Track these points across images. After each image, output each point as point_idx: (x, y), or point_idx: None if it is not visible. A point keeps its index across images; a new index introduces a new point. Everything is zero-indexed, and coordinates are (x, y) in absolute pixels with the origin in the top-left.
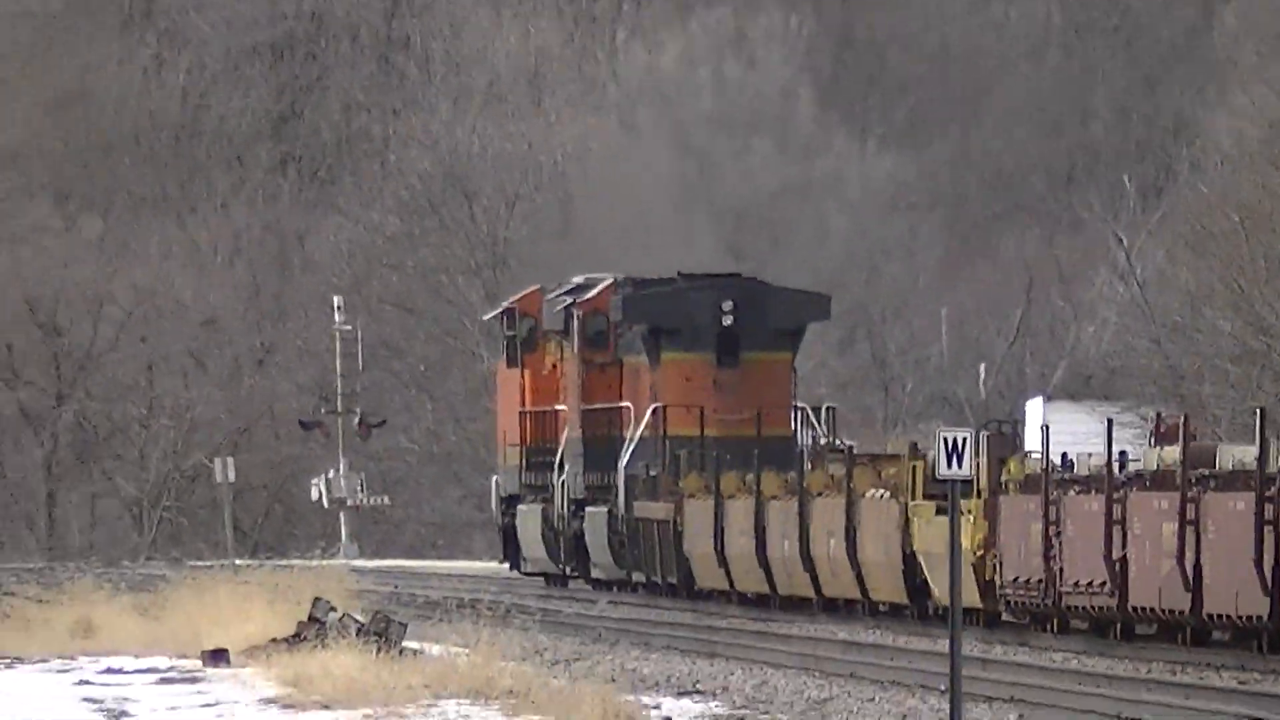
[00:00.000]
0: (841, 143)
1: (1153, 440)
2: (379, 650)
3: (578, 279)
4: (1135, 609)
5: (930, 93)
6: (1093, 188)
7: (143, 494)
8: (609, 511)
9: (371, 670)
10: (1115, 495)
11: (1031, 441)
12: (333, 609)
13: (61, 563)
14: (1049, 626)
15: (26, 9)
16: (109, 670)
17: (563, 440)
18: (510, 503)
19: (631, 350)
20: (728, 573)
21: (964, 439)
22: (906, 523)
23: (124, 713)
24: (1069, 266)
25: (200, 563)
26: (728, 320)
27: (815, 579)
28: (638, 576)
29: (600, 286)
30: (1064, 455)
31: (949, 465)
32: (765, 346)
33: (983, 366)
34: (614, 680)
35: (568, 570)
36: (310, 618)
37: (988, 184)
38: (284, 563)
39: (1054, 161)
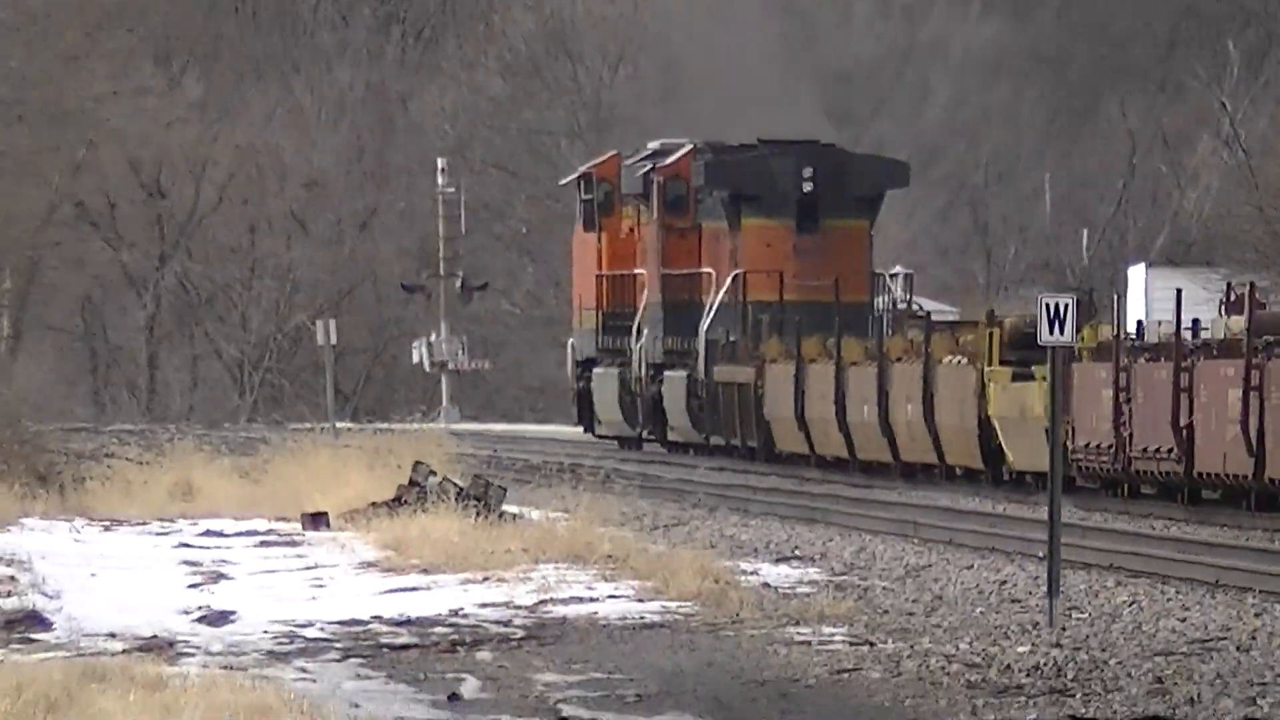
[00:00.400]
0: (944, 6)
1: (1223, 309)
2: (478, 515)
3: (654, 144)
4: (1200, 474)
5: None
6: (1197, 54)
7: (244, 356)
8: (688, 376)
9: (470, 535)
10: (1183, 363)
11: (1135, 308)
12: (432, 473)
13: (162, 425)
14: (1119, 491)
15: None
16: (208, 533)
17: (641, 305)
18: (586, 366)
19: (711, 215)
20: (808, 436)
21: (1066, 305)
22: (982, 389)
23: (222, 575)
24: (1173, 133)
25: (301, 426)
26: (808, 187)
27: (894, 444)
28: (716, 440)
29: (680, 152)
30: (1139, 323)
31: (1051, 331)
32: (844, 213)
33: (1085, 232)
34: (712, 546)
35: (644, 434)
36: (410, 482)
37: (1092, 50)
38: (384, 426)
39: (1158, 27)
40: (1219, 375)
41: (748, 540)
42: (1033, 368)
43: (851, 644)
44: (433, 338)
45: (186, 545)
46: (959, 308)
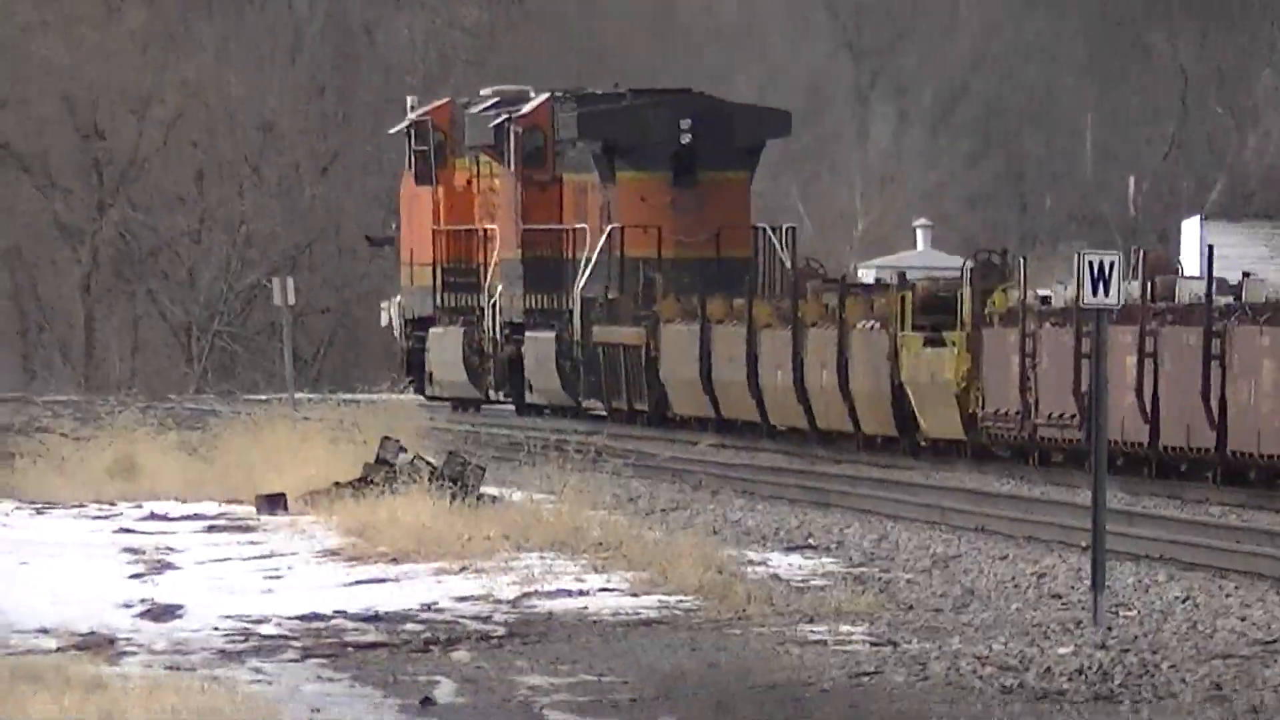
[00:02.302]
0: None
1: (1133, 274)
2: (454, 497)
3: (488, 90)
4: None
5: None
6: None
7: (191, 318)
8: (558, 336)
9: (445, 519)
10: (1084, 329)
11: (1190, 265)
12: (403, 450)
13: (100, 395)
14: (1028, 460)
15: None
16: (152, 516)
17: (492, 261)
18: (419, 325)
19: (576, 168)
20: (714, 400)
21: (1111, 263)
22: (895, 354)
23: (168, 564)
24: (1229, 68)
25: (255, 396)
26: (685, 139)
27: (809, 410)
28: (590, 403)
29: (538, 101)
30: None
31: (1094, 292)
32: (723, 165)
33: (1131, 180)
34: (715, 532)
35: (495, 395)
36: (377, 459)
37: None
38: (349, 397)
39: None
40: (1118, 342)
41: (755, 526)
42: (944, 333)
43: (872, 644)
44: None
45: (127, 530)
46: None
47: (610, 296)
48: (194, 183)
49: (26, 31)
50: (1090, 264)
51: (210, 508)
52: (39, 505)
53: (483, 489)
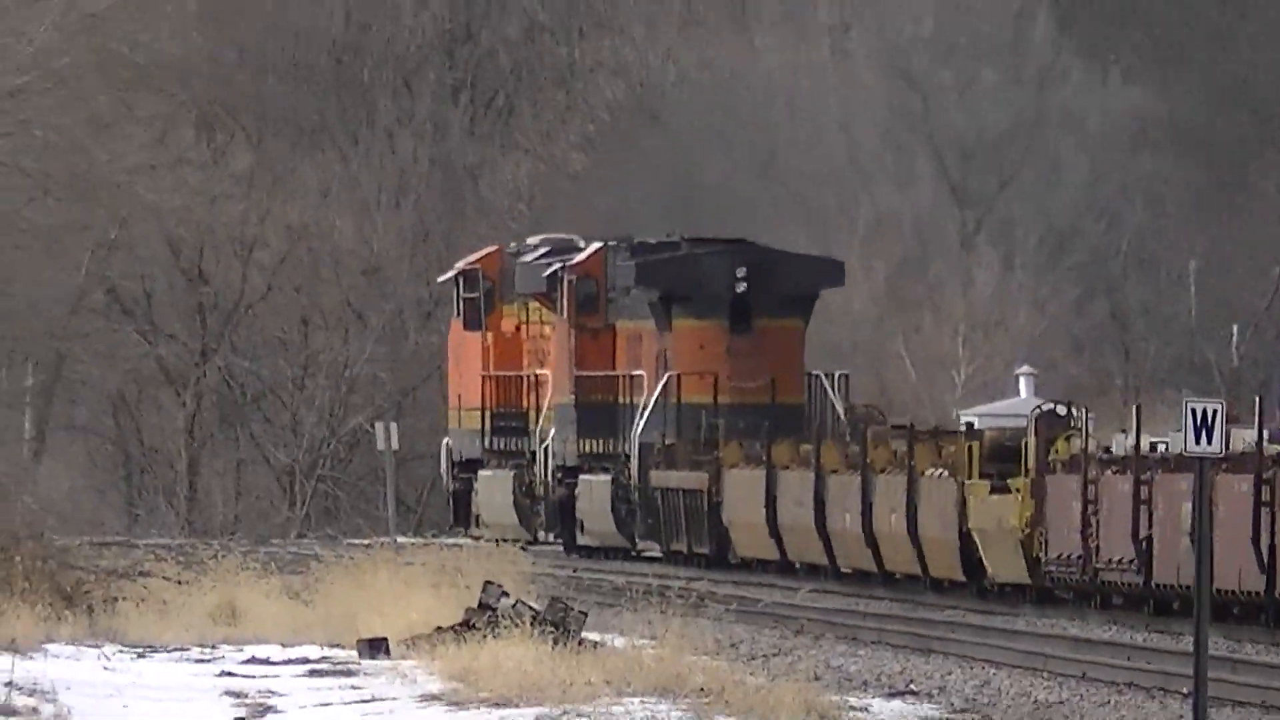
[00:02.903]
0: (1080, 73)
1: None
2: (556, 642)
3: (535, 239)
4: (1158, 585)
5: (1177, 15)
6: None
7: (294, 462)
8: (613, 480)
9: (547, 664)
10: (1144, 475)
11: None
12: (505, 594)
13: (203, 539)
14: (1092, 603)
15: None
16: (253, 660)
17: (544, 405)
18: (466, 467)
19: (632, 315)
20: (779, 542)
21: (1214, 411)
22: (963, 501)
23: (270, 708)
24: None
25: (358, 541)
26: (741, 287)
27: (877, 553)
28: (645, 546)
29: (591, 250)
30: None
31: (1197, 440)
32: (778, 313)
33: (1235, 327)
34: (817, 678)
35: (544, 536)
36: (480, 604)
37: (1243, 119)
38: (451, 542)
39: None
40: (1174, 489)
41: (857, 672)
42: (1009, 481)
43: None
44: None
45: (229, 674)
46: (1094, 411)
47: (668, 442)
48: (298, 327)
49: (133, 174)
50: (1194, 411)
51: (312, 651)
52: (141, 649)
53: (584, 634)
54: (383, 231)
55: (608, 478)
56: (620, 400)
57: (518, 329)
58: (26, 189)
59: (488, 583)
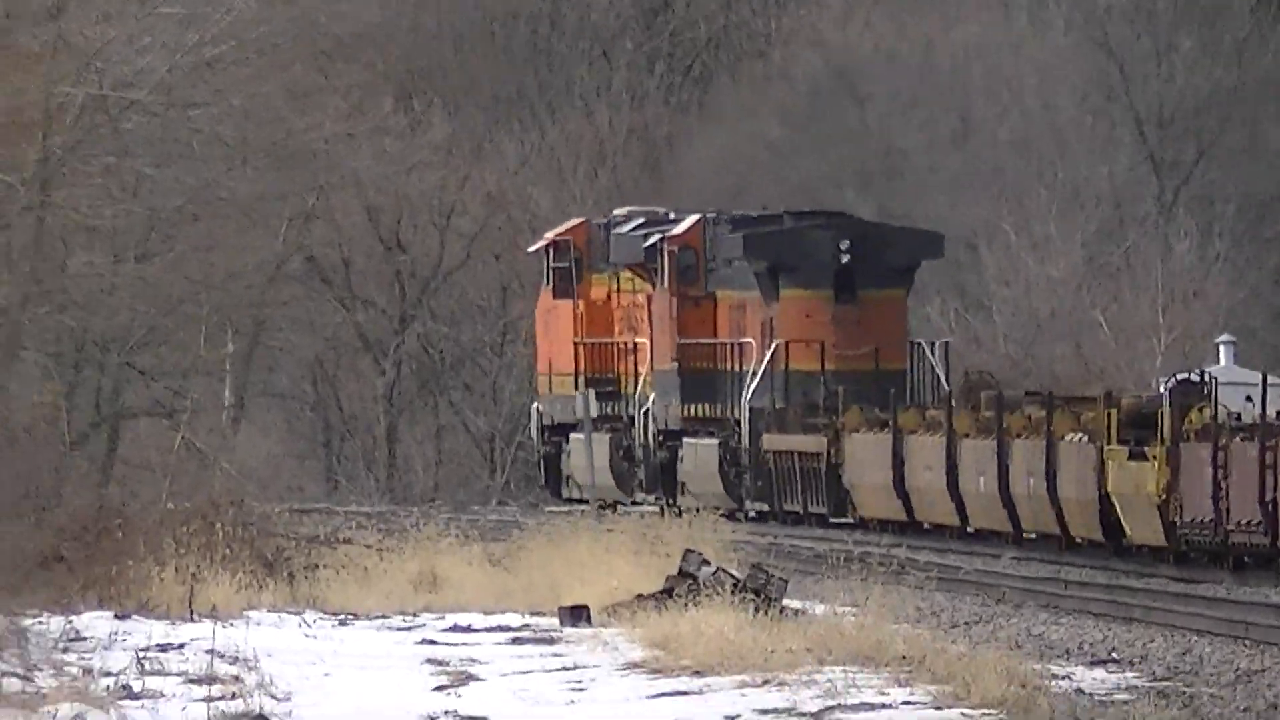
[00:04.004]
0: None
1: None
2: (757, 609)
3: (621, 211)
4: None
5: None
6: None
7: (494, 430)
8: (722, 443)
9: (748, 632)
10: (1270, 442)
11: None
12: (706, 562)
13: (403, 506)
14: (1221, 564)
15: None
16: (455, 628)
17: (640, 371)
18: (557, 431)
19: (734, 285)
20: (906, 503)
21: None
22: (1102, 465)
23: (471, 675)
24: None
25: (558, 508)
26: (845, 258)
27: (1013, 514)
28: (758, 506)
29: (690, 221)
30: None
31: None
32: (881, 283)
33: None
34: (1018, 646)
35: (642, 498)
36: (680, 572)
37: None
38: (650, 509)
39: None
40: None
41: (1058, 640)
42: (1144, 448)
43: None
44: None
45: (431, 642)
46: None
47: (778, 406)
48: (497, 294)
49: (332, 143)
50: None
51: (514, 619)
52: (342, 616)
53: (785, 602)
54: (579, 200)
55: (714, 441)
56: (723, 367)
57: (608, 297)
58: (225, 158)
59: (688, 551)
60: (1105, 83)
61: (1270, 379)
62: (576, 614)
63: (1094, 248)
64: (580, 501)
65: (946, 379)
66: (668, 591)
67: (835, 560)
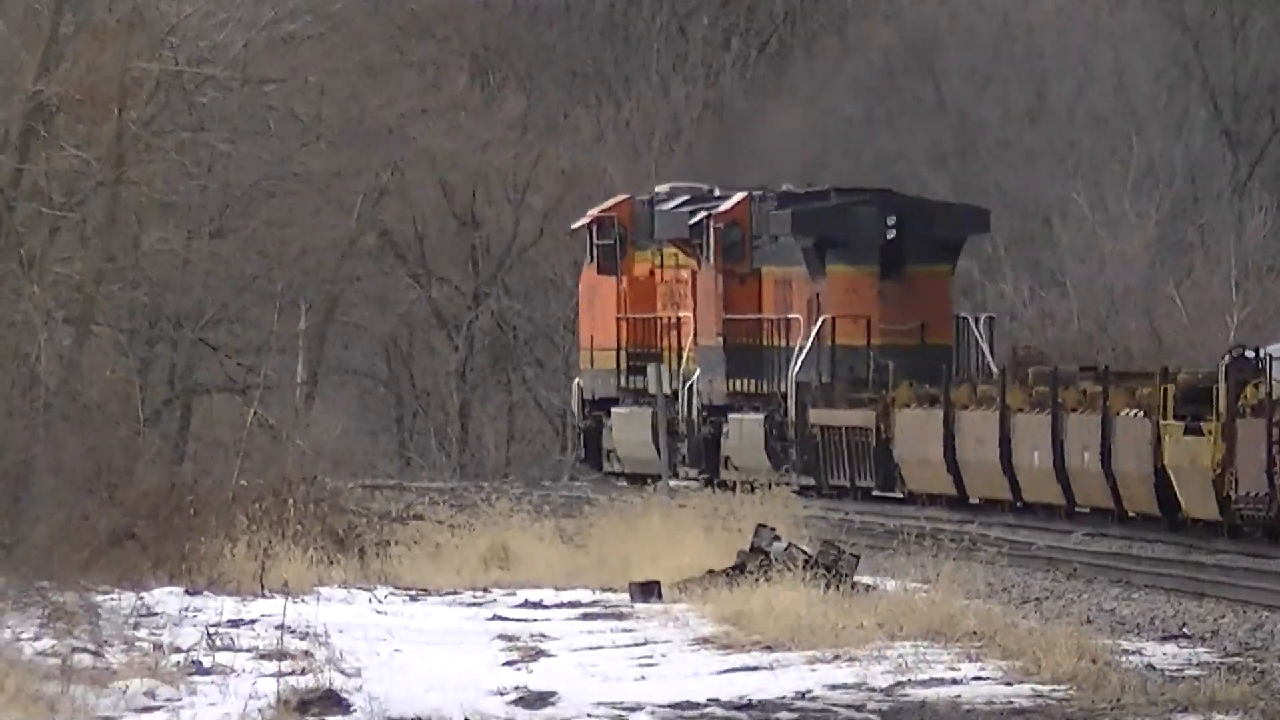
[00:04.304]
0: None
1: None
2: (828, 585)
3: (663, 188)
4: None
5: None
6: None
7: (566, 405)
8: (768, 418)
9: (819, 607)
10: None
11: None
12: (777, 538)
13: (475, 482)
14: (1277, 539)
15: None
16: (526, 604)
17: (684, 346)
18: (598, 405)
19: (780, 261)
20: (957, 478)
21: None
22: (1158, 440)
23: (542, 651)
24: None
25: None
26: (891, 234)
27: (1068, 489)
28: (803, 480)
29: (736, 198)
30: None
31: None
32: (927, 259)
33: None
34: (1089, 621)
35: (685, 471)
36: (751, 548)
37: None
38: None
39: None
40: None
41: (1129, 615)
42: (1200, 423)
43: None
44: None
45: (502, 618)
46: None
47: (824, 381)
48: (571, 270)
49: (406, 119)
50: None
51: (584, 595)
52: (414, 592)
53: (856, 577)
54: (655, 176)
55: (759, 416)
56: (768, 343)
57: (651, 273)
58: (300, 135)
59: (760, 526)
60: (1180, 58)
61: None
62: (647, 590)
63: (1168, 224)
64: (621, 475)
65: (992, 354)
66: (739, 567)
67: (907, 536)
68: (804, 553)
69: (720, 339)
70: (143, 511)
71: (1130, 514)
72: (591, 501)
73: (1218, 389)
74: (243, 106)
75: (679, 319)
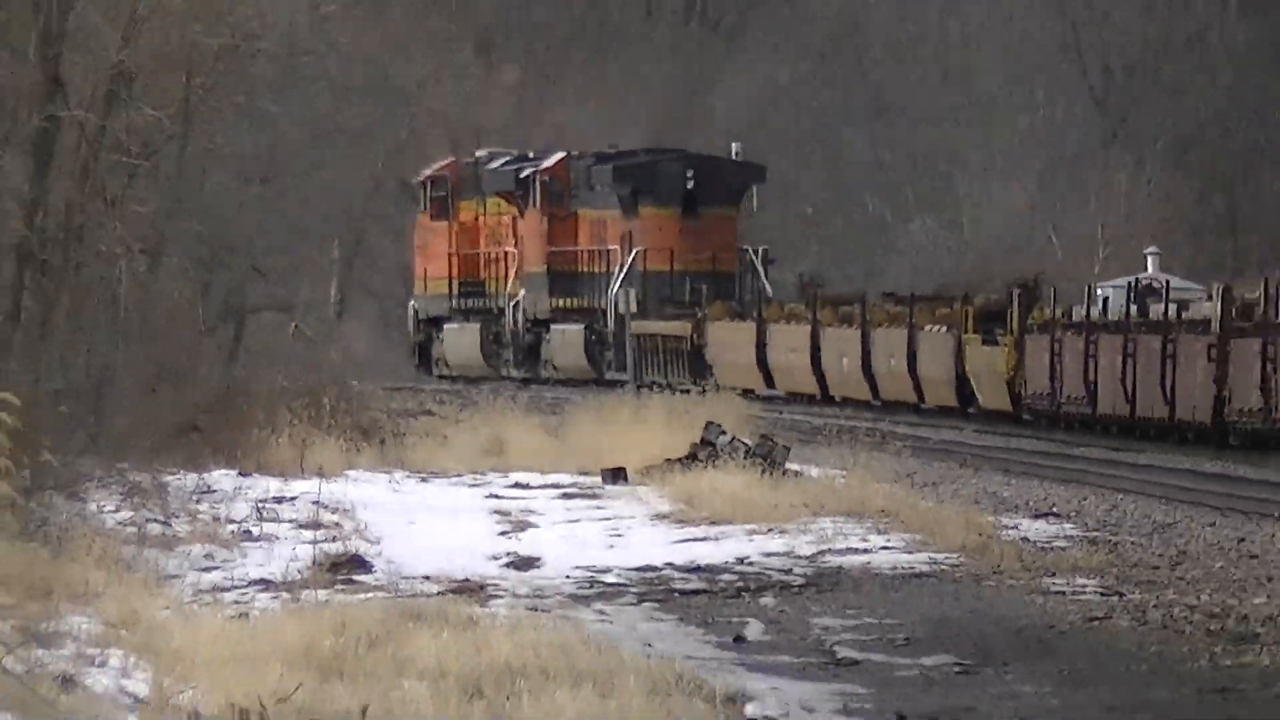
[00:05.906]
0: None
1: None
2: (764, 472)
3: (482, 152)
4: (1101, 414)
5: None
6: None
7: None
8: (588, 327)
9: (757, 489)
10: (1090, 336)
11: None
12: (723, 433)
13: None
14: (1057, 426)
15: None
16: (516, 485)
17: (508, 275)
18: (430, 323)
19: (596, 205)
20: (767, 376)
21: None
22: (960, 350)
23: (529, 524)
24: None
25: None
26: (690, 184)
27: (873, 386)
28: (614, 375)
29: (557, 157)
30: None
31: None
32: (718, 203)
33: None
34: (976, 502)
35: (509, 373)
36: (702, 440)
37: None
38: (682, 388)
39: None
40: (1113, 345)
41: (1009, 497)
42: (996, 334)
43: (1102, 594)
44: None
45: (496, 496)
46: (1203, 285)
47: (638, 299)
48: None
49: (422, 84)
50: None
51: (564, 479)
52: (424, 475)
53: (788, 465)
54: (627, 136)
55: (579, 326)
56: (586, 269)
57: (476, 219)
58: (333, 96)
59: (709, 423)
60: (1060, 38)
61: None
62: (616, 474)
63: (1048, 175)
64: (450, 378)
65: (766, 278)
66: (692, 456)
67: (830, 432)
68: (745, 445)
69: (545, 266)
70: (203, 408)
71: (930, 407)
72: (572, 401)
73: (1011, 311)
74: (287, 73)
75: (505, 253)
